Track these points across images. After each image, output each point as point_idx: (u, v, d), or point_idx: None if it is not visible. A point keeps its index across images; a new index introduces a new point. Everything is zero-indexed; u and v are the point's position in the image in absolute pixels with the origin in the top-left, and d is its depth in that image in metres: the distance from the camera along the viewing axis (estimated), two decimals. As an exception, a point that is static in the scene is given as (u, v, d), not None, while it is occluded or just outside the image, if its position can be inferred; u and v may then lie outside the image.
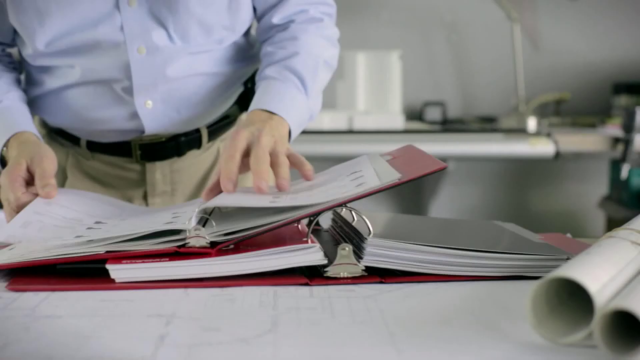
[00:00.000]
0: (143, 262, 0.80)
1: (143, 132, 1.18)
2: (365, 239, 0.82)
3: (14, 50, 1.21)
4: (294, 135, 1.07)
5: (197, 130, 1.22)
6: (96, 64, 1.11)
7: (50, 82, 1.16)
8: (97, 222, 0.93)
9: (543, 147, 2.43)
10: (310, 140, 2.32)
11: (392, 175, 0.86)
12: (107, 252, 0.82)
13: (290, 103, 1.07)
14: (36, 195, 0.98)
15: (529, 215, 3.13)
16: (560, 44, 3.20)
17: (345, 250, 0.81)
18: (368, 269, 0.82)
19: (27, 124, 1.11)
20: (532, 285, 0.61)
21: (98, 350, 0.60)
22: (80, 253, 0.81)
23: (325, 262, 0.82)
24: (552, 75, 3.20)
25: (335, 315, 0.70)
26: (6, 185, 1.00)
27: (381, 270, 0.82)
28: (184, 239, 0.82)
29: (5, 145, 1.08)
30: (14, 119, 1.11)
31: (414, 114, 3.02)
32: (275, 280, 0.80)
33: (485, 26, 3.15)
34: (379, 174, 0.89)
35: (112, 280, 0.79)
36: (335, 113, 2.54)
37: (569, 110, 3.14)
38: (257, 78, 1.14)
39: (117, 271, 0.79)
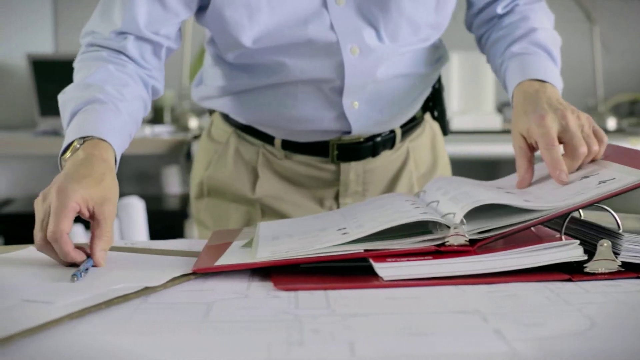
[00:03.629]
0: (408, 260, 0.80)
1: (346, 132, 1.17)
2: (622, 235, 0.82)
3: (167, 44, 1.10)
4: None
5: (392, 131, 1.22)
6: (307, 62, 1.10)
7: (253, 80, 1.14)
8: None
9: (643, 147, 2.41)
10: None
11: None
12: (366, 250, 0.82)
13: (550, 72, 1.06)
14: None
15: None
16: (632, 44, 3.18)
17: (604, 246, 0.81)
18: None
19: (116, 140, 0.97)
20: None
21: (447, 346, 0.60)
22: (340, 252, 0.81)
23: (586, 257, 0.81)
24: (624, 75, 3.19)
25: (635, 310, 0.70)
26: (54, 210, 0.84)
27: (634, 266, 0.82)
28: (441, 238, 0.82)
29: (81, 143, 0.93)
30: (105, 123, 0.96)
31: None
32: (538, 277, 0.80)
33: (560, 27, 3.13)
34: (619, 172, 0.89)
35: (371, 279, 0.79)
36: (431, 114, 2.53)
37: (642, 110, 3.13)
38: (498, 60, 1.14)
39: (384, 269, 0.79)
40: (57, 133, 2.49)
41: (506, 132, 2.50)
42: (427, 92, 1.25)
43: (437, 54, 1.22)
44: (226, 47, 1.13)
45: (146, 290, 0.77)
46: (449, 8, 1.14)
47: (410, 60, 1.15)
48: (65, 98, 1.02)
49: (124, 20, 1.07)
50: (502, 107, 2.91)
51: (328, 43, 1.08)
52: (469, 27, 1.25)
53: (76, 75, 1.06)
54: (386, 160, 1.23)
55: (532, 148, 0.98)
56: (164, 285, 0.79)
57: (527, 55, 1.09)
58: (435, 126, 1.32)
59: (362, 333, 0.63)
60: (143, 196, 2.50)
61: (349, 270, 0.83)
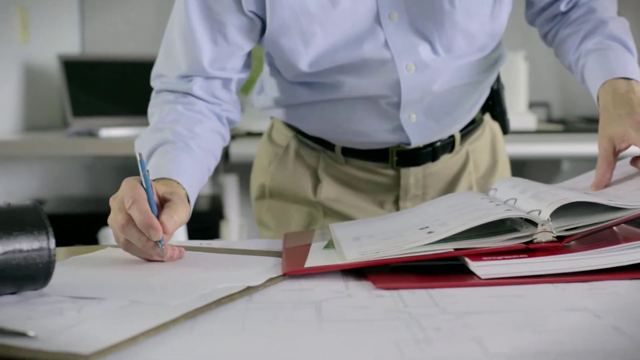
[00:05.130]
0: (504, 258, 0.81)
1: (406, 144, 1.18)
2: None
3: (237, 77, 1.13)
4: None
5: (451, 136, 1.23)
6: (363, 81, 1.10)
7: (310, 96, 1.16)
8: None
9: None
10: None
11: None
12: (455, 249, 0.83)
13: (631, 67, 1.06)
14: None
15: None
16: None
17: (694, 244, 0.83)
18: None
19: (187, 179, 0.99)
20: None
21: (573, 343, 0.61)
22: (431, 251, 0.83)
23: (676, 255, 0.83)
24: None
25: None
26: (126, 190, 0.89)
27: None
28: (529, 235, 0.83)
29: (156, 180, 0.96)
30: (174, 163, 1.00)
31: (519, 115, 2.99)
32: (630, 274, 0.81)
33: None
34: None
35: (466, 277, 0.81)
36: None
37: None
38: (573, 56, 1.13)
39: (481, 268, 0.80)
40: (91, 133, 2.50)
41: (539, 132, 2.50)
42: (486, 95, 1.25)
43: (495, 56, 1.21)
44: (284, 69, 1.15)
45: (249, 290, 0.78)
46: (504, 15, 1.14)
47: (467, 70, 1.15)
48: (140, 142, 1.06)
49: (188, 63, 1.09)
50: (534, 106, 2.91)
51: (383, 61, 1.08)
52: (531, 23, 1.25)
53: (150, 120, 1.10)
54: (446, 163, 1.24)
55: (615, 153, 0.99)
56: (264, 285, 0.81)
57: (604, 51, 1.08)
58: (495, 126, 1.32)
59: (484, 331, 0.64)
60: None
61: (437, 268, 0.84)
